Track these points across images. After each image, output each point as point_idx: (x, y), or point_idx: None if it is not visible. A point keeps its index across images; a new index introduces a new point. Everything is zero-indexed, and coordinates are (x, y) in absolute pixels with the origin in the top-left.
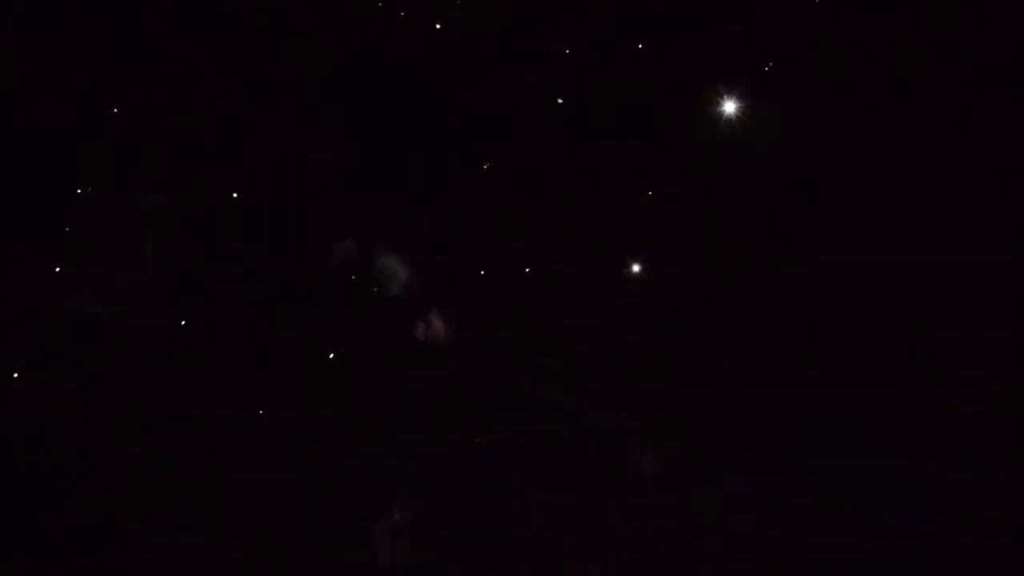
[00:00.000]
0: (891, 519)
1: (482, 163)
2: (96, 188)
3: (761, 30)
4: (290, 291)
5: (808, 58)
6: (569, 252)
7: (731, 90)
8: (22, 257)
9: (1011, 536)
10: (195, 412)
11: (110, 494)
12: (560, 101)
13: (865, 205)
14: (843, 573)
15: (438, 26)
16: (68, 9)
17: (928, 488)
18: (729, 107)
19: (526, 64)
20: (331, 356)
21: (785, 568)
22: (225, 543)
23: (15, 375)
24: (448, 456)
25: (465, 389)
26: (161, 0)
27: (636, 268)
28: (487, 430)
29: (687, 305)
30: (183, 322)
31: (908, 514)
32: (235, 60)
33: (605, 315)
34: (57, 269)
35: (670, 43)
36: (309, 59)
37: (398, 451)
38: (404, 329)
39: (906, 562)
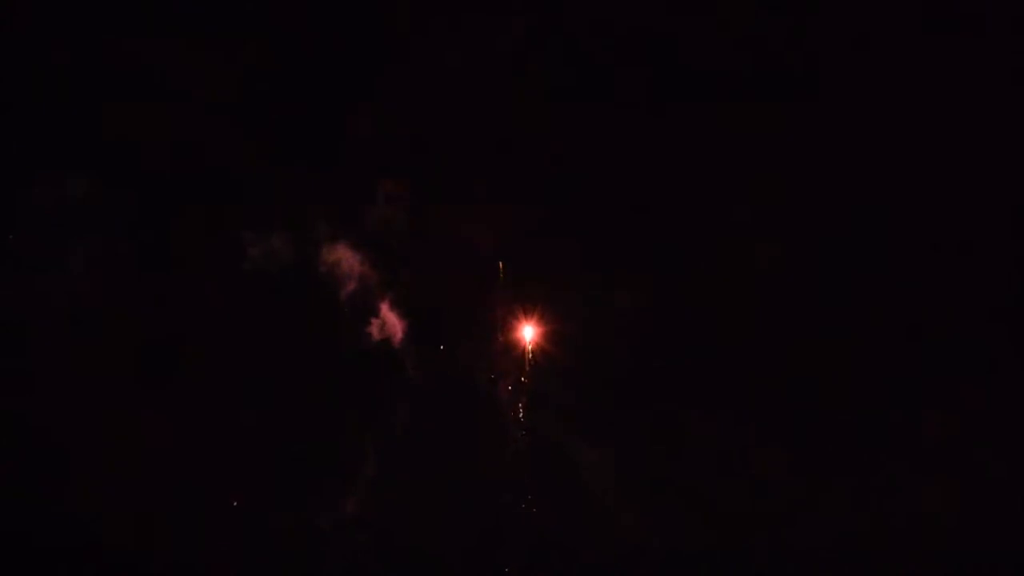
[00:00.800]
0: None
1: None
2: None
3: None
4: (242, 290)
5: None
6: (530, 246)
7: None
8: None
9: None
10: (139, 411)
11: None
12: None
13: (862, 204)
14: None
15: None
16: None
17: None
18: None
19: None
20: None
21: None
22: (179, 539)
23: None
24: (401, 452)
25: (421, 386)
26: None
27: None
28: (444, 428)
29: (668, 302)
30: (127, 321)
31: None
32: (178, 53)
33: (570, 310)
34: None
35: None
36: (259, 53)
37: (351, 446)
38: (359, 326)
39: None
